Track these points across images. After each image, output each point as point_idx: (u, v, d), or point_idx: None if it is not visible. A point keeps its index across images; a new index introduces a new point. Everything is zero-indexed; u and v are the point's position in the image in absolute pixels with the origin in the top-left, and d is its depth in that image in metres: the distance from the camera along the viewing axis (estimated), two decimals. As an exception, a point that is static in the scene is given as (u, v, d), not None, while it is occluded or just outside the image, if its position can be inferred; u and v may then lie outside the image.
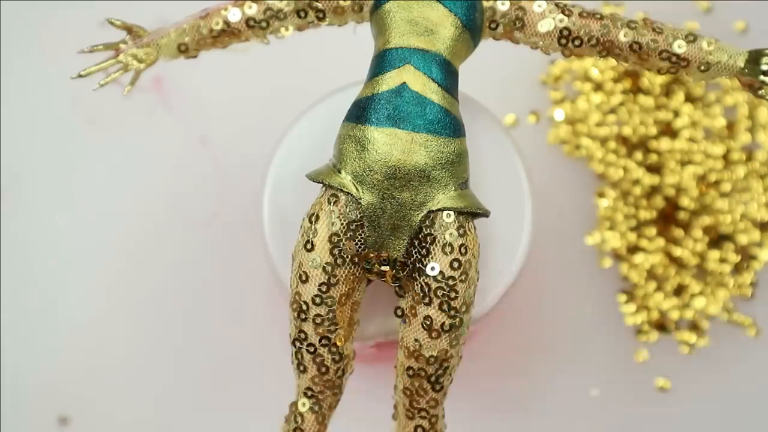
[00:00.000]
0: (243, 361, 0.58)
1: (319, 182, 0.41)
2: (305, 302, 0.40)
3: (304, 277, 0.40)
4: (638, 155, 0.59)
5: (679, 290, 0.58)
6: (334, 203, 0.40)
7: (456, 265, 0.40)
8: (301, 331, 0.41)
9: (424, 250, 0.40)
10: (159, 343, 0.59)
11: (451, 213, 0.40)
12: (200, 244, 0.59)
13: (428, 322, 0.40)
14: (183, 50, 0.43)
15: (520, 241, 0.45)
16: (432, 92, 0.40)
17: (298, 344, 0.41)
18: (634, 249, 0.59)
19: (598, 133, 0.60)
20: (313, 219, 0.40)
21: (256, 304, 0.59)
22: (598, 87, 0.60)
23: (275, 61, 0.57)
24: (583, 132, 0.60)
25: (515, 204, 0.46)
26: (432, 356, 0.40)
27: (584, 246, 0.59)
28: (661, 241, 0.58)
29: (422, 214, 0.40)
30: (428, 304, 0.40)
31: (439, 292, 0.40)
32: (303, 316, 0.40)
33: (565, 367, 0.58)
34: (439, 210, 0.40)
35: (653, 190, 0.59)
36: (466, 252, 0.40)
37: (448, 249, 0.40)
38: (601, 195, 0.60)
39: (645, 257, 0.58)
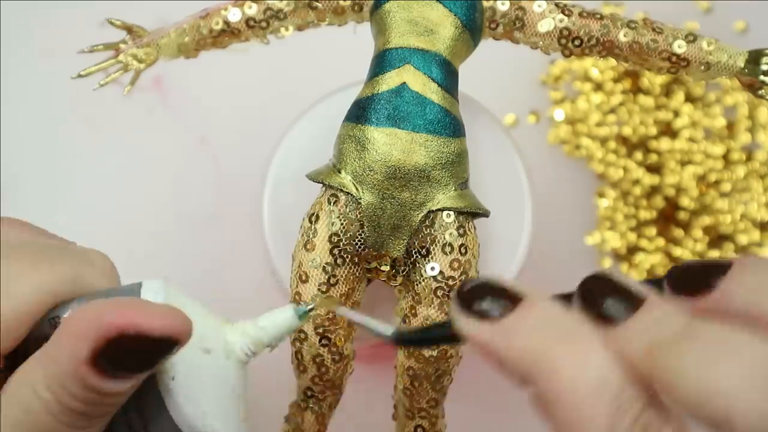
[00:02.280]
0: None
1: (319, 182, 0.41)
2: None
3: (304, 277, 0.40)
4: (638, 155, 0.59)
5: (679, 290, 0.58)
6: (334, 203, 0.40)
7: (456, 265, 0.40)
8: (301, 331, 0.41)
9: (424, 250, 0.40)
10: (159, 343, 0.58)
11: (451, 213, 0.40)
12: (200, 244, 0.59)
13: (428, 322, 0.40)
14: (183, 50, 0.43)
15: (520, 241, 0.45)
16: (432, 92, 0.40)
17: (298, 344, 0.41)
18: (634, 249, 0.59)
19: (598, 133, 0.60)
20: (313, 219, 0.40)
21: (256, 303, 0.58)
22: (598, 87, 0.60)
23: (275, 61, 0.57)
24: (583, 132, 0.60)
25: (515, 204, 0.46)
26: (432, 356, 0.40)
27: (584, 246, 0.59)
28: (661, 241, 0.58)
29: (422, 214, 0.40)
30: (428, 304, 0.40)
31: (439, 292, 0.40)
32: (303, 316, 0.40)
33: (565, 367, 0.58)
34: (439, 210, 0.40)
35: (653, 190, 0.59)
36: (466, 252, 0.40)
37: (448, 249, 0.40)
38: (601, 195, 0.59)
39: (645, 257, 0.58)
